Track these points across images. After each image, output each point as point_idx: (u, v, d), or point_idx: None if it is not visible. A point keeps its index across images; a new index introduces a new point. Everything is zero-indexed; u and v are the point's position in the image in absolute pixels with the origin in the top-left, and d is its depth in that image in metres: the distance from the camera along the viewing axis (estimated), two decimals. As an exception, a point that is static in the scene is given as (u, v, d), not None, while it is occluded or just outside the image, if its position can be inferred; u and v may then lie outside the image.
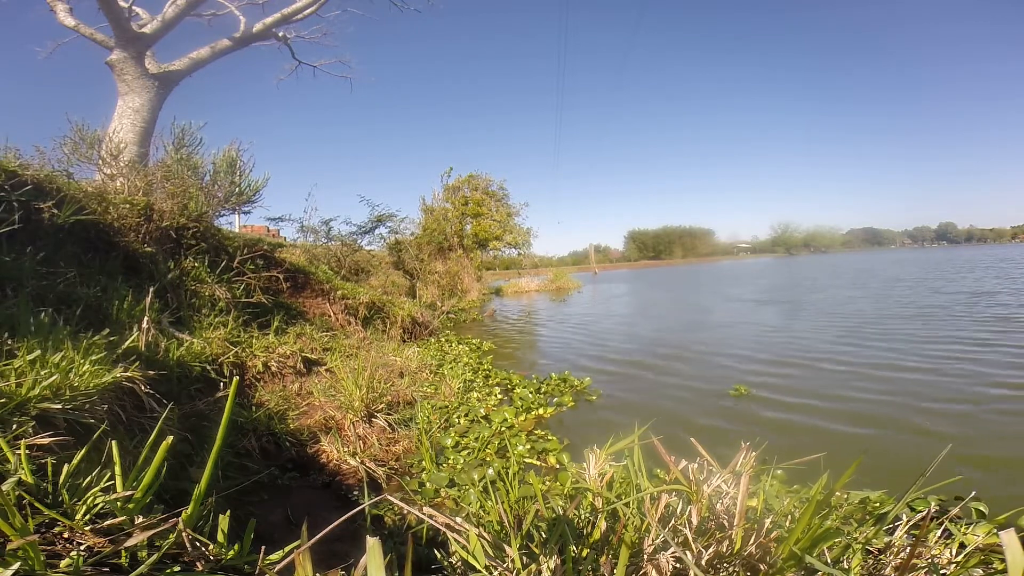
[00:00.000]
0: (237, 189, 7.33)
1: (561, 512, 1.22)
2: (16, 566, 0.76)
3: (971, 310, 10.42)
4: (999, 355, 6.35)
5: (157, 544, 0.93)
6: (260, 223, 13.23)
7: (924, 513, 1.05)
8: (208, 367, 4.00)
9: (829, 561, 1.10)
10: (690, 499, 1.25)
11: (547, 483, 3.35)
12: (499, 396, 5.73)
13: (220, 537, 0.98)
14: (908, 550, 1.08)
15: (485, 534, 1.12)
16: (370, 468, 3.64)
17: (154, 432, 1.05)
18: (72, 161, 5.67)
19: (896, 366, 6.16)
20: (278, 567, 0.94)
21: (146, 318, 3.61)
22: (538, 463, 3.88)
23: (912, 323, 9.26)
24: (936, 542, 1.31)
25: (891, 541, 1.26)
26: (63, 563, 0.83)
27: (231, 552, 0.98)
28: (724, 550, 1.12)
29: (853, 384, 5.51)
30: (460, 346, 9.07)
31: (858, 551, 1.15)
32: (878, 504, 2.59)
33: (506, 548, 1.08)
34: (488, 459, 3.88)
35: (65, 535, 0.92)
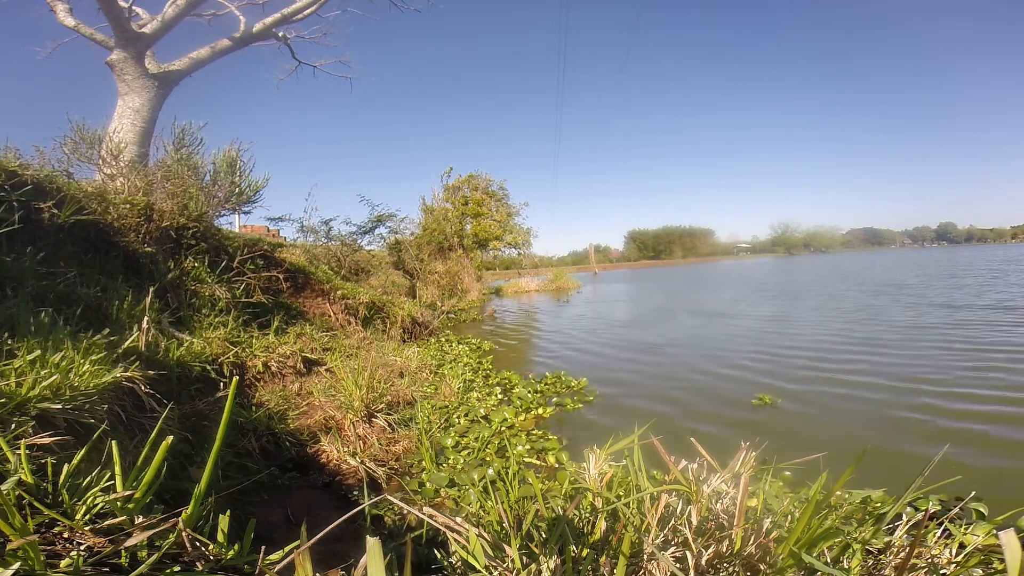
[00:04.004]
0: (237, 189, 7.32)
1: (561, 512, 1.22)
2: (16, 566, 0.76)
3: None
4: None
5: (157, 544, 0.93)
6: (260, 223, 13.23)
7: (924, 513, 1.05)
8: (208, 367, 4.00)
9: (829, 561, 1.10)
10: (690, 499, 1.25)
11: (546, 483, 3.35)
12: (499, 396, 5.73)
13: (220, 537, 0.98)
14: (908, 550, 1.08)
15: (485, 534, 1.12)
16: (370, 468, 3.64)
17: (154, 432, 1.05)
18: (72, 161, 5.66)
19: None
20: (278, 567, 0.94)
21: (146, 318, 3.61)
22: (538, 462, 3.89)
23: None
24: (936, 542, 1.31)
25: (891, 541, 1.26)
26: (63, 563, 0.83)
27: (231, 552, 0.98)
28: (724, 550, 1.12)
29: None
30: (460, 346, 9.07)
31: (858, 551, 1.15)
32: (879, 504, 2.59)
33: (506, 548, 1.08)
34: (488, 459, 3.88)
35: (65, 535, 0.92)
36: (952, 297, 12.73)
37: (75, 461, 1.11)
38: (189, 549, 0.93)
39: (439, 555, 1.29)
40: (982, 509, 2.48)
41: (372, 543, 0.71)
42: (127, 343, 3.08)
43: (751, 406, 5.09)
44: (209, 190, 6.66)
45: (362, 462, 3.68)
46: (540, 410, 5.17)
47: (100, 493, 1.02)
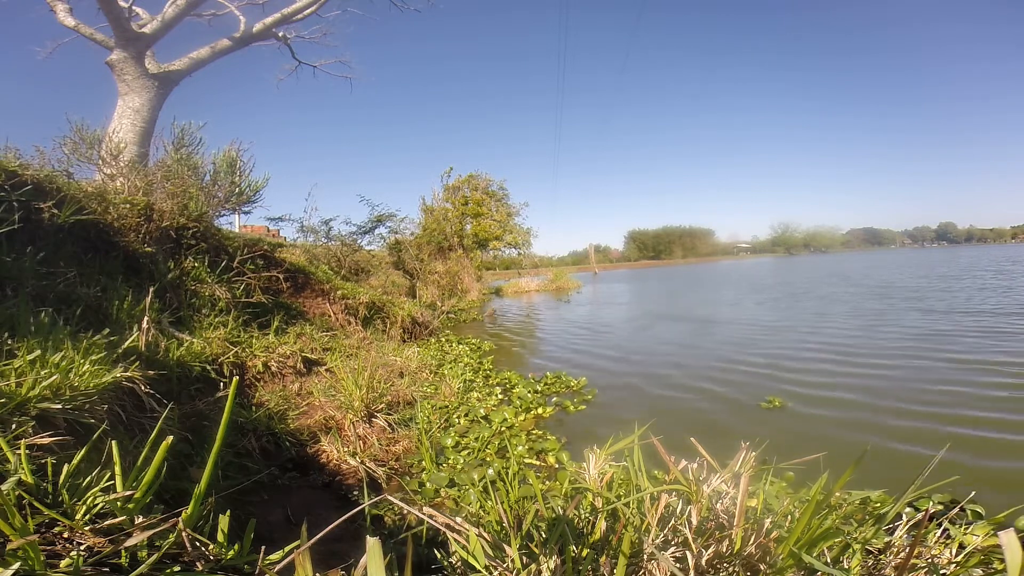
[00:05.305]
0: (237, 189, 7.32)
1: (561, 512, 1.22)
2: (16, 566, 0.76)
3: None
4: None
5: (157, 544, 0.93)
6: (260, 223, 13.23)
7: (924, 513, 1.05)
8: (208, 367, 4.00)
9: (829, 561, 1.10)
10: (690, 499, 1.25)
11: (546, 483, 3.35)
12: (499, 396, 5.72)
13: (220, 537, 0.98)
14: (908, 550, 1.08)
15: (485, 534, 1.12)
16: (370, 468, 3.64)
17: (154, 432, 1.05)
18: (72, 161, 5.65)
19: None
20: (278, 567, 0.94)
21: (146, 318, 3.61)
22: (538, 463, 3.89)
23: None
24: (936, 542, 1.31)
25: (891, 541, 1.26)
26: (63, 563, 0.83)
27: (231, 552, 0.98)
28: (724, 550, 1.12)
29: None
30: (460, 346, 9.07)
31: (858, 551, 1.15)
32: (879, 504, 2.59)
33: (506, 548, 1.08)
34: (488, 459, 3.88)
35: (65, 535, 0.92)
36: (958, 302, 12.61)
37: (75, 461, 1.11)
38: (189, 549, 0.93)
39: (439, 555, 1.29)
40: (979, 510, 2.49)
41: (372, 543, 0.71)
42: (127, 343, 3.08)
43: (758, 408, 5.06)
44: (209, 190, 6.65)
45: (362, 462, 3.68)
46: (540, 410, 5.17)
47: (100, 493, 1.02)
